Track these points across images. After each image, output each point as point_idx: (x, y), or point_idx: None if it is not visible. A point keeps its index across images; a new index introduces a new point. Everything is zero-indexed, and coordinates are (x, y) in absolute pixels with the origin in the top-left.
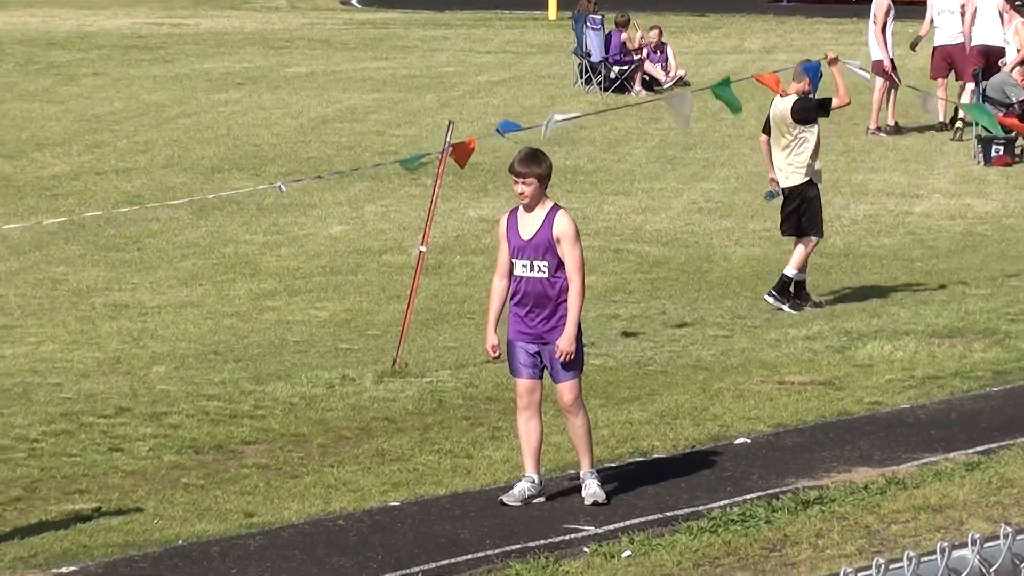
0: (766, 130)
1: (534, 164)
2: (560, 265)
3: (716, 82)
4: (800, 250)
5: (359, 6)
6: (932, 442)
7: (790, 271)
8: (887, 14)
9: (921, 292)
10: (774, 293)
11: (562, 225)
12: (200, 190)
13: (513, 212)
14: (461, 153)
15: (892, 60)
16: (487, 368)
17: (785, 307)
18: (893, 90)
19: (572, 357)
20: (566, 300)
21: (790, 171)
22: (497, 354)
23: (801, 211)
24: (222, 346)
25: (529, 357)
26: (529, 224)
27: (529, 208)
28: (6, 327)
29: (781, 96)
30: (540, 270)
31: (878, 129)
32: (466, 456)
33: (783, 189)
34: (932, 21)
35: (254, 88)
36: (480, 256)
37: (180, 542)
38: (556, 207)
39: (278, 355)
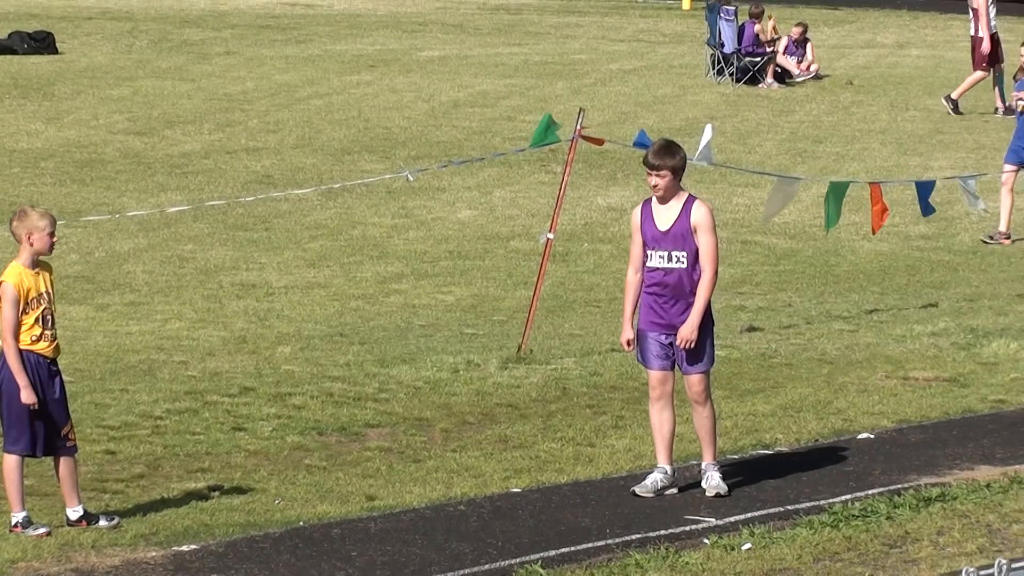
0: None
1: (668, 156)
2: (697, 255)
3: (837, 183)
4: None
5: None
6: None
7: None
8: None
9: None
10: None
11: (700, 214)
12: (329, 172)
13: (647, 203)
14: (592, 142)
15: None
16: (612, 356)
17: None
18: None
19: (692, 345)
20: None
21: None
22: (632, 348)
23: None
24: (348, 328)
25: (661, 348)
26: (665, 215)
27: (664, 200)
28: (133, 304)
29: None
30: (679, 260)
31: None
32: (589, 444)
33: None
34: None
35: (386, 71)
36: (608, 244)
37: (301, 523)
38: (692, 197)
39: (403, 338)
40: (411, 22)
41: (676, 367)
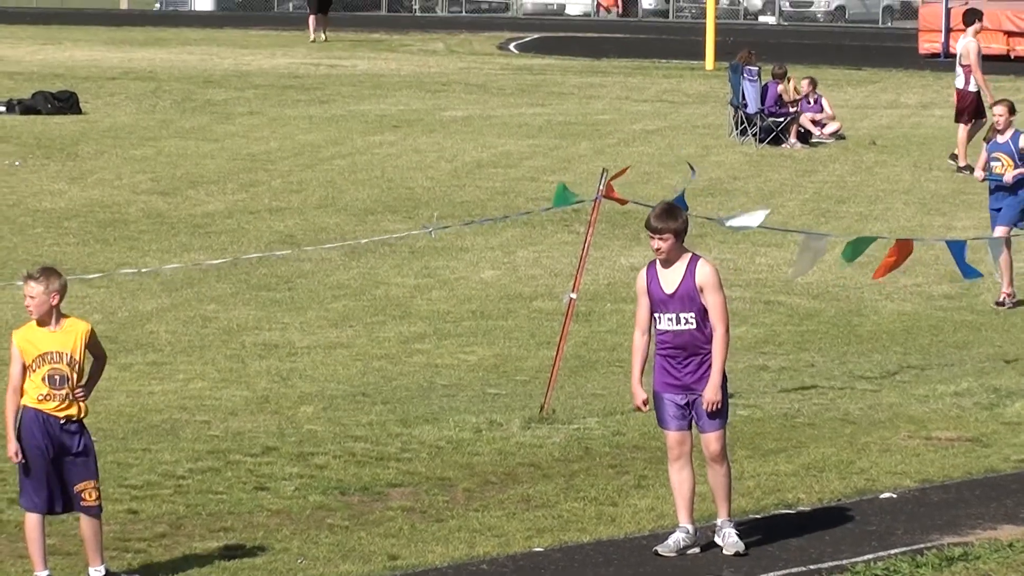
0: None
1: (670, 219)
2: (706, 313)
3: (854, 239)
4: None
5: (516, 52)
6: None
7: None
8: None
9: None
10: None
11: (704, 273)
12: (353, 232)
13: (651, 266)
14: (616, 201)
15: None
16: (634, 416)
17: None
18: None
19: (719, 406)
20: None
21: None
22: (648, 408)
23: None
24: (370, 388)
25: (678, 409)
26: (670, 278)
27: (667, 263)
28: (156, 363)
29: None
30: (688, 322)
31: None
32: (611, 504)
33: None
34: None
35: (409, 131)
36: (631, 304)
37: None
38: (696, 256)
39: (426, 398)
40: (434, 82)
41: (692, 426)
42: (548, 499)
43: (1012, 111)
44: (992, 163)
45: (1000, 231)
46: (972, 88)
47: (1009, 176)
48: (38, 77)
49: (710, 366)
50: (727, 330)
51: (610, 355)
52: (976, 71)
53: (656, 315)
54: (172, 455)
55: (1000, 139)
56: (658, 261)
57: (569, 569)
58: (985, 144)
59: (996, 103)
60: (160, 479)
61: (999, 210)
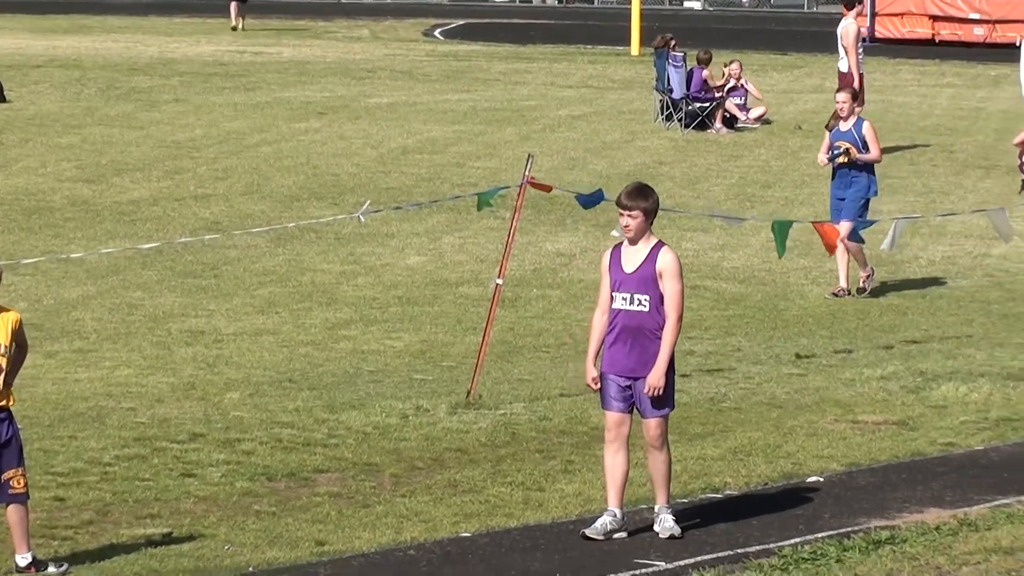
0: None
1: (640, 198)
2: (661, 300)
3: (781, 220)
4: None
5: (442, 38)
6: (1005, 484)
7: None
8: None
9: (998, 334)
10: None
11: (666, 260)
12: (279, 218)
13: (617, 248)
14: (540, 188)
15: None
16: (561, 401)
17: None
18: None
19: (660, 392)
20: (662, 336)
21: None
22: (598, 386)
23: None
24: (297, 374)
25: (620, 390)
26: (632, 258)
27: (633, 241)
28: (82, 351)
29: None
30: (641, 304)
31: None
32: (538, 489)
33: None
34: None
35: (335, 118)
36: (557, 290)
37: (250, 569)
38: (660, 243)
39: (352, 384)
40: (359, 69)
41: (634, 411)
42: (475, 484)
43: (855, 98)
44: (835, 150)
45: (844, 227)
46: (851, 70)
47: (856, 156)
48: None
49: (657, 353)
50: (679, 319)
51: (536, 340)
52: (851, 53)
53: (612, 294)
54: (98, 442)
55: (843, 127)
56: (624, 242)
57: (496, 554)
58: (827, 131)
59: (839, 90)
60: (86, 466)
61: (843, 200)
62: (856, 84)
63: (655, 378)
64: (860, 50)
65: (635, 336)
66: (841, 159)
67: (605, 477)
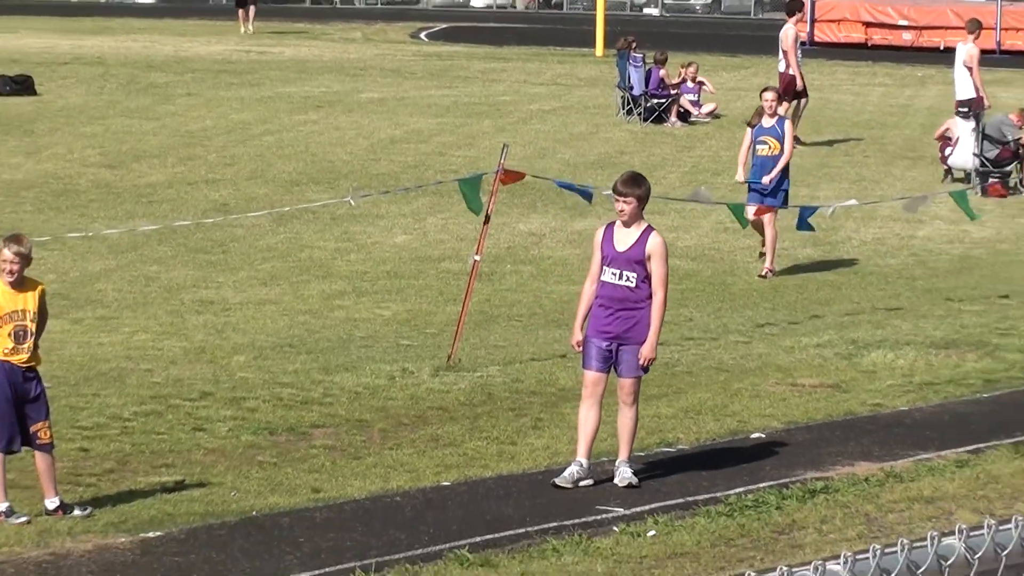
0: None
1: (635, 186)
2: (646, 278)
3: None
4: None
5: (427, 40)
6: (927, 441)
7: None
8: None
9: (921, 307)
10: None
11: (655, 244)
12: (280, 201)
13: (609, 226)
14: (513, 177)
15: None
16: (532, 365)
17: None
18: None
19: (652, 363)
20: (643, 307)
21: None
22: (581, 349)
23: None
24: (296, 340)
25: (601, 352)
26: (624, 238)
27: (627, 224)
28: (104, 318)
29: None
30: (628, 280)
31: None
32: (511, 443)
33: None
34: None
35: (331, 111)
36: (528, 266)
37: (254, 513)
38: (650, 228)
39: (345, 349)
40: (353, 67)
41: (610, 372)
42: (454, 439)
43: (780, 99)
44: (758, 146)
45: (767, 212)
46: (792, 72)
47: (775, 172)
48: None
49: (637, 321)
50: (665, 296)
51: (510, 311)
52: (791, 56)
53: (603, 267)
54: (119, 399)
55: (766, 123)
56: (618, 222)
57: (473, 501)
58: (750, 128)
59: (765, 89)
60: (108, 421)
61: (758, 186)
62: (799, 84)
63: (648, 349)
64: (799, 53)
65: (621, 306)
66: (765, 181)
67: (578, 430)
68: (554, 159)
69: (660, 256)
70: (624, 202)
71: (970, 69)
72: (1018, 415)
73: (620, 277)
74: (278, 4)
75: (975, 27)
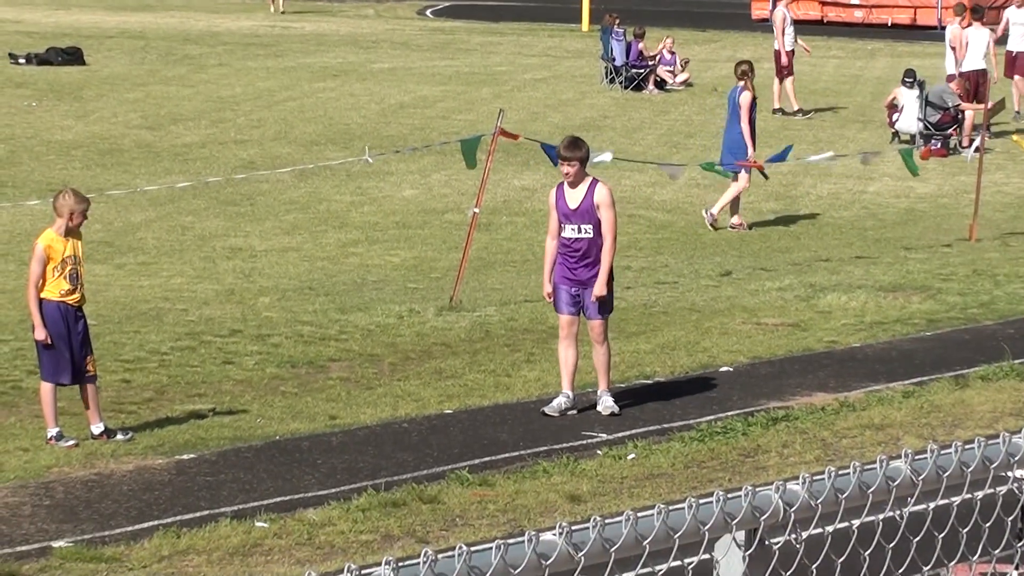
0: None
1: (576, 149)
2: (600, 226)
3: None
4: None
5: (432, 16)
6: (877, 374)
7: None
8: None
9: (872, 255)
10: None
11: (601, 194)
12: (301, 159)
13: (560, 186)
14: (509, 137)
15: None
16: (525, 306)
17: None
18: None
19: (604, 299)
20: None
21: None
22: (551, 299)
23: None
24: (315, 283)
25: (571, 297)
26: (574, 196)
27: (573, 184)
28: (144, 264)
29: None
30: (586, 231)
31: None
32: (506, 375)
33: None
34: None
35: (346, 79)
36: (522, 217)
37: (277, 437)
38: (595, 180)
39: (359, 291)
40: (366, 40)
41: (582, 314)
42: (456, 371)
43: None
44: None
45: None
46: (787, 48)
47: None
48: (51, 36)
49: (599, 267)
50: (615, 240)
51: (506, 257)
52: (777, 34)
53: (562, 225)
54: (157, 336)
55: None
56: (566, 182)
57: (472, 427)
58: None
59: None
60: (147, 355)
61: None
62: (783, 60)
63: (599, 288)
64: (790, 31)
65: (582, 256)
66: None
67: (560, 366)
68: (545, 122)
69: (607, 204)
70: (568, 165)
71: (954, 49)
72: (958, 351)
73: (579, 231)
74: None
75: (961, 10)
